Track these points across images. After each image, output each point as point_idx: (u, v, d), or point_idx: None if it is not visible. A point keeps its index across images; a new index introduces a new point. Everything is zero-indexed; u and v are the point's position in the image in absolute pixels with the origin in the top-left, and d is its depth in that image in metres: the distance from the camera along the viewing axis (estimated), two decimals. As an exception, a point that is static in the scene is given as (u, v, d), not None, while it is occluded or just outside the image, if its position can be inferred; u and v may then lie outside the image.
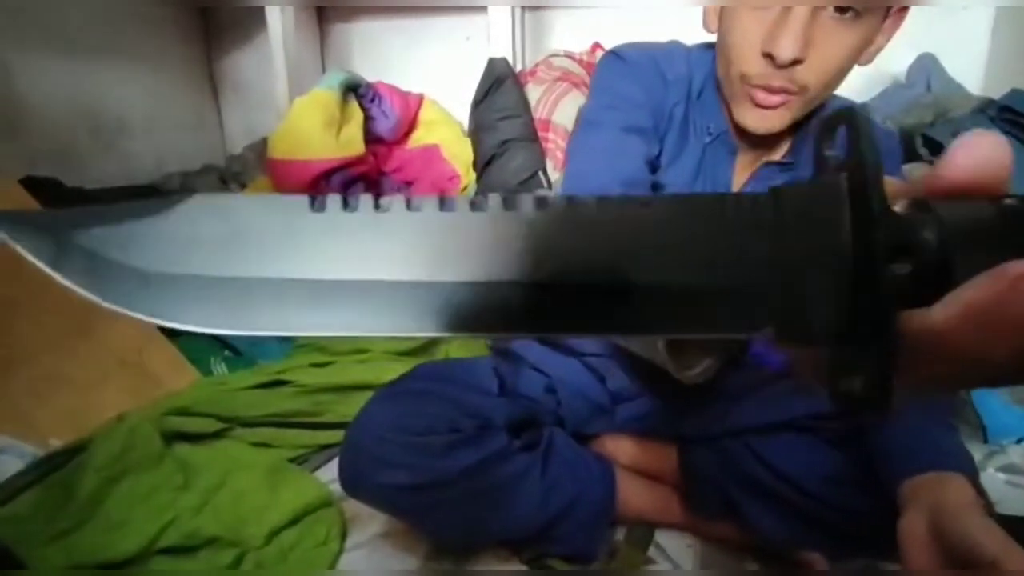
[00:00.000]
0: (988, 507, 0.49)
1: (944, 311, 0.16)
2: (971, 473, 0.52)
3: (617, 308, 0.18)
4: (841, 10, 0.54)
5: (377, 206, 0.18)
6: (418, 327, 0.18)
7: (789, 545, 0.72)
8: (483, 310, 0.17)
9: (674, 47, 0.70)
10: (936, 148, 1.23)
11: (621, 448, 0.82)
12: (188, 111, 1.85)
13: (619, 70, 0.69)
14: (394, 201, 0.18)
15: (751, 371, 0.80)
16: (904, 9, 0.60)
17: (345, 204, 0.18)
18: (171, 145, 1.72)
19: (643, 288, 0.18)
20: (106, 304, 0.19)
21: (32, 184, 1.18)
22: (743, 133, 0.65)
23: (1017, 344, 0.16)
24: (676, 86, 0.66)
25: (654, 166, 0.67)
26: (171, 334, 1.13)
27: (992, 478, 0.90)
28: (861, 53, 0.58)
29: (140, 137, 1.63)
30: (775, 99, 0.57)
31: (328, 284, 0.18)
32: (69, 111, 1.44)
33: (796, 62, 0.54)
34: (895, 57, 1.67)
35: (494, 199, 0.18)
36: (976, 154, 0.18)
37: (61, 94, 1.43)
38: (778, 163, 0.68)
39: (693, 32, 0.70)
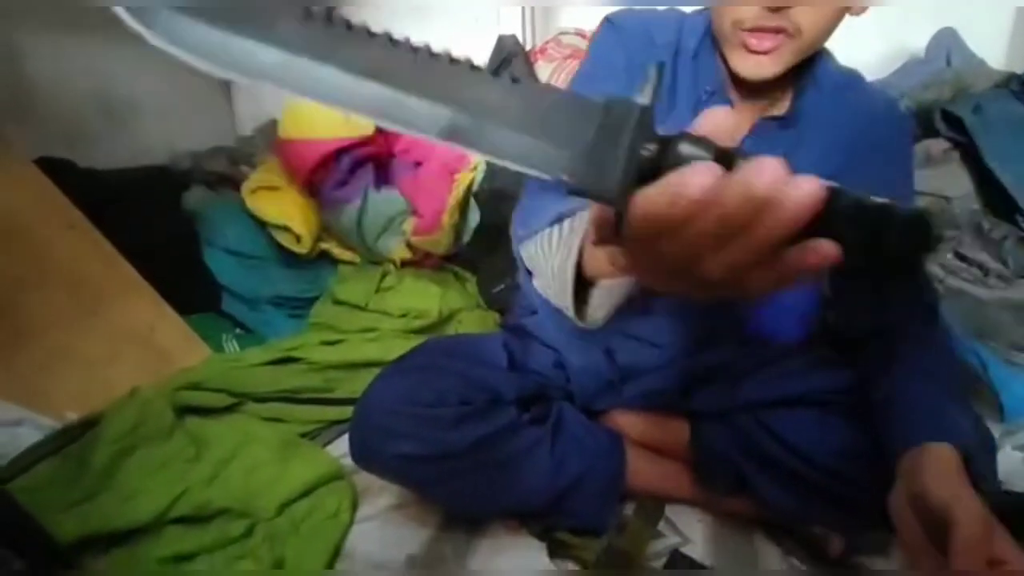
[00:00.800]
0: (980, 478, 0.49)
1: (645, 191, 0.25)
2: (969, 443, 0.51)
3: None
4: None
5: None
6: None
7: (801, 519, 0.72)
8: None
9: (669, 13, 0.70)
10: (955, 123, 1.20)
11: (631, 423, 0.81)
12: (199, 93, 1.84)
13: (608, 38, 0.69)
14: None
15: (762, 347, 0.79)
16: None
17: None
18: (182, 126, 1.71)
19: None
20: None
21: (47, 164, 1.18)
22: (741, 85, 0.65)
23: (680, 243, 0.25)
24: (663, 50, 0.67)
25: None
26: (182, 311, 1.14)
27: (1009, 456, 0.89)
28: (850, 6, 0.59)
29: (151, 118, 1.63)
30: (768, 43, 0.57)
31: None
32: (81, 92, 1.45)
33: (783, 8, 0.55)
34: (914, 32, 1.63)
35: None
36: (710, 121, 0.27)
37: (73, 75, 1.43)
38: (776, 118, 0.67)
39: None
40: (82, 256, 1.03)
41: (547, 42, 1.57)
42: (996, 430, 0.91)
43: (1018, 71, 1.33)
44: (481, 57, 1.60)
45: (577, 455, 0.72)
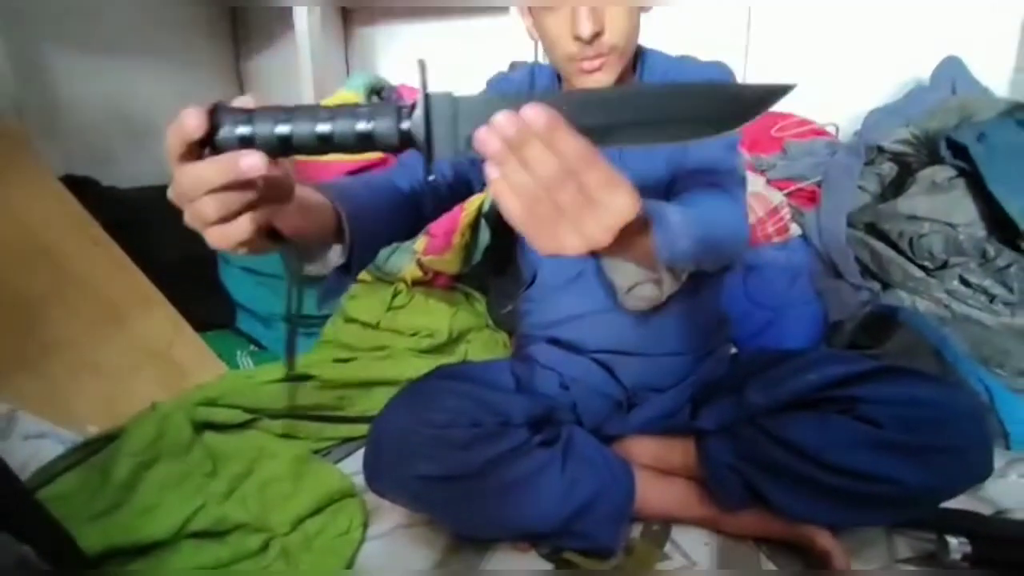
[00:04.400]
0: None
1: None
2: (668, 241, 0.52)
3: None
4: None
5: None
6: None
7: (814, 521, 0.73)
8: None
9: (525, 67, 0.87)
10: (960, 151, 1.22)
11: (640, 448, 0.83)
12: (217, 112, 1.90)
13: (482, 92, 0.84)
14: None
15: (755, 353, 0.82)
16: None
17: None
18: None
19: None
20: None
21: (71, 182, 1.22)
22: None
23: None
24: (517, 88, 0.83)
25: None
26: (198, 328, 1.17)
27: (1015, 484, 0.89)
28: (642, 6, 0.71)
29: (172, 137, 1.68)
30: (597, 63, 0.69)
31: None
32: (105, 112, 1.49)
33: (597, 35, 0.66)
34: (920, 60, 1.65)
35: None
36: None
37: (98, 96, 1.48)
38: None
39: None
40: (105, 273, 1.06)
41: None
42: (1003, 458, 0.92)
43: (1022, 100, 1.35)
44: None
45: (588, 477, 0.73)
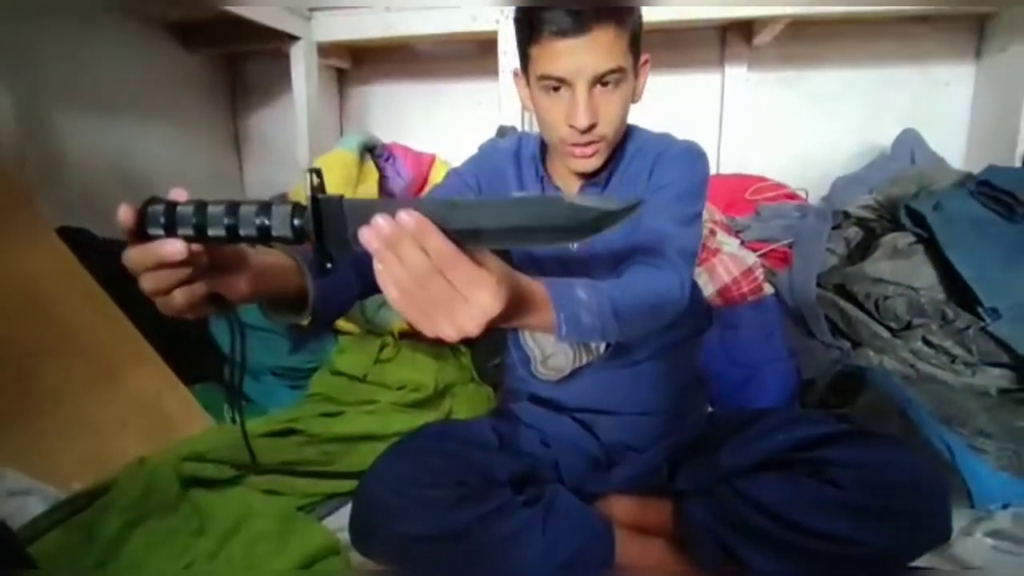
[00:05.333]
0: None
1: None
2: (570, 318, 0.58)
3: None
4: (604, 83, 0.72)
5: None
6: None
7: None
8: None
9: (513, 136, 0.95)
10: (918, 219, 1.31)
11: (619, 507, 0.85)
12: (212, 165, 1.95)
13: (470, 159, 0.93)
14: None
15: (730, 413, 0.85)
16: (646, 62, 0.79)
17: None
18: (194, 196, 1.80)
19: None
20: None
21: (66, 234, 1.25)
22: (573, 171, 0.83)
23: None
24: (505, 156, 0.90)
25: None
26: (186, 380, 1.18)
27: (979, 543, 0.92)
28: (632, 99, 0.78)
29: (167, 189, 1.72)
30: (588, 150, 0.76)
31: None
32: (104, 165, 1.53)
33: (592, 126, 0.72)
34: (883, 130, 1.78)
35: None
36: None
37: (98, 150, 1.52)
38: (594, 182, 0.84)
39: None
40: (98, 325, 1.08)
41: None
42: (966, 517, 0.96)
43: (975, 171, 1.45)
44: (482, 142, 1.72)
45: (568, 536, 0.75)
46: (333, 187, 1.49)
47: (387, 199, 0.45)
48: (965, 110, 1.79)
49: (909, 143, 1.65)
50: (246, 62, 2.06)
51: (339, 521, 0.96)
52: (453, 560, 0.71)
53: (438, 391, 1.27)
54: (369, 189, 1.57)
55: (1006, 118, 1.59)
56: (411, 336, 1.44)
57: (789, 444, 0.76)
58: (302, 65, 1.73)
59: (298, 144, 1.79)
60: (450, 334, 0.44)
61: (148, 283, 0.48)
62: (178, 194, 0.48)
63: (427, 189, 1.74)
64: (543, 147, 0.88)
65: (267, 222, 0.45)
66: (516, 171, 0.90)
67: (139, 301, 1.20)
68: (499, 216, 0.43)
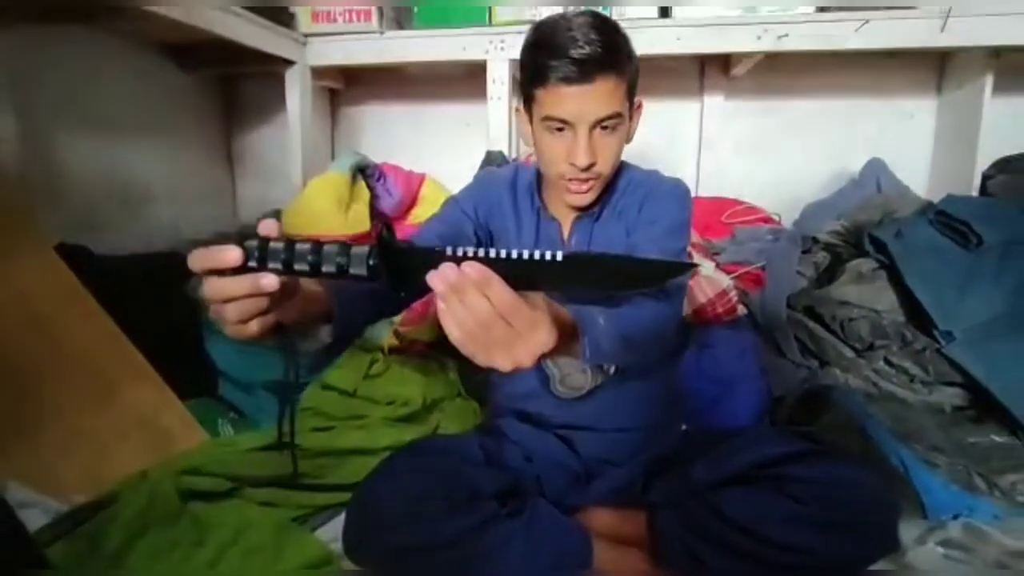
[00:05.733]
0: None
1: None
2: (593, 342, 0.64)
3: None
4: (603, 126, 0.79)
5: None
6: None
7: None
8: None
9: (510, 165, 1.02)
10: (880, 246, 1.39)
11: (597, 519, 0.91)
12: (207, 182, 1.99)
13: (468, 186, 0.99)
14: None
15: (703, 430, 0.92)
16: (639, 106, 0.86)
17: None
18: (188, 214, 1.84)
19: None
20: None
21: (65, 251, 1.28)
22: (568, 204, 0.89)
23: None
24: (503, 186, 0.96)
25: (480, 237, 0.94)
26: (181, 395, 1.21)
27: (931, 552, 0.99)
28: (626, 139, 0.85)
29: (162, 206, 1.76)
30: (584, 187, 0.83)
31: None
32: (102, 183, 1.57)
33: (591, 165, 0.79)
34: (852, 158, 1.87)
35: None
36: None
37: (94, 167, 1.56)
38: (588, 215, 0.91)
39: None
40: (97, 342, 1.12)
41: (530, 154, 1.75)
42: (919, 527, 1.03)
43: (935, 200, 1.54)
44: (471, 161, 1.79)
45: (549, 546, 0.80)
46: (326, 208, 1.54)
47: (448, 246, 0.51)
48: (928, 141, 1.89)
49: (875, 171, 1.74)
50: (241, 83, 2.10)
51: (332, 532, 1.00)
52: (441, 569, 0.76)
53: (426, 406, 1.32)
54: (361, 208, 1.62)
55: (964, 150, 1.69)
56: (399, 352, 1.49)
57: (755, 461, 0.83)
58: (297, 88, 1.78)
59: (291, 163, 1.83)
60: (506, 366, 0.50)
61: (233, 312, 0.52)
62: (267, 227, 0.53)
63: (417, 208, 1.79)
64: (539, 178, 0.95)
65: (346, 261, 0.52)
66: (512, 200, 0.95)
67: (135, 315, 1.25)
68: (562, 276, 0.50)
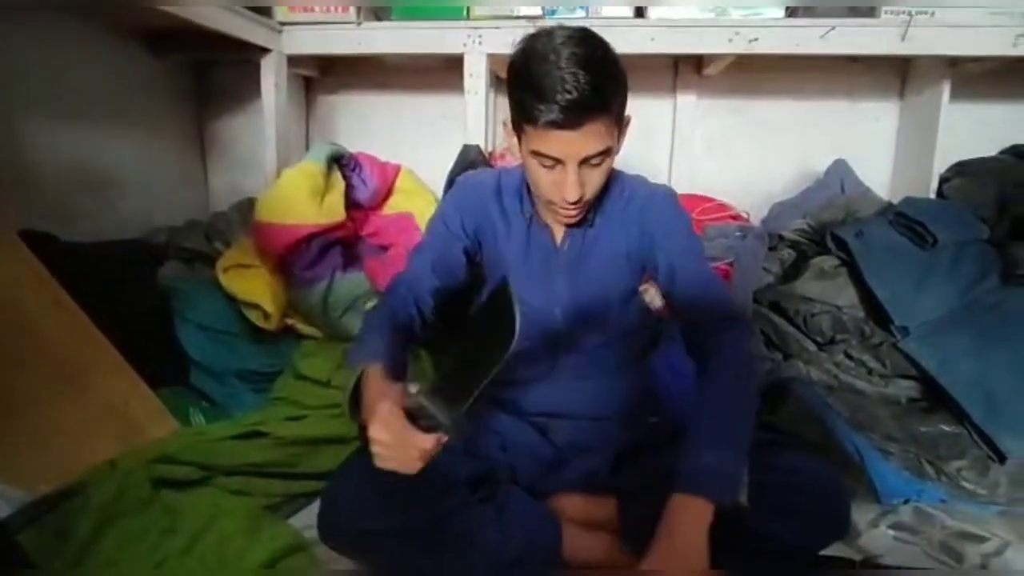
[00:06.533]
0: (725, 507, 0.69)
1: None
2: (721, 494, 0.70)
3: None
4: (594, 164, 0.79)
5: None
6: None
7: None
8: None
9: (495, 171, 0.99)
10: (842, 244, 1.44)
11: (569, 504, 0.93)
12: (177, 170, 1.96)
13: (450, 195, 0.99)
14: None
15: (670, 423, 0.95)
16: (626, 124, 0.84)
17: None
18: (160, 202, 1.81)
19: None
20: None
21: (29, 237, 1.25)
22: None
23: None
24: (489, 194, 0.95)
25: (483, 250, 0.97)
26: (152, 384, 1.20)
27: (883, 534, 1.05)
28: (612, 165, 0.84)
29: (133, 194, 1.72)
30: (572, 211, 0.83)
31: None
32: (71, 170, 1.53)
33: (580, 198, 0.80)
34: (818, 158, 1.93)
35: None
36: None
37: (64, 154, 1.52)
38: (579, 226, 0.92)
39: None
40: (66, 332, 1.10)
41: (507, 148, 1.77)
42: (873, 511, 1.08)
43: (896, 200, 1.60)
44: (447, 153, 1.79)
45: (520, 531, 0.83)
46: (300, 198, 1.53)
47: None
48: (890, 143, 1.96)
49: (840, 172, 1.80)
50: (215, 70, 2.07)
51: (305, 519, 1.01)
52: (416, 553, 0.78)
53: (400, 396, 1.33)
54: (335, 199, 1.61)
55: (923, 153, 1.76)
56: (375, 343, 1.49)
57: None
58: (272, 76, 1.76)
59: (265, 152, 1.81)
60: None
61: (419, 463, 0.68)
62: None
63: (392, 199, 1.79)
64: (526, 182, 0.93)
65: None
66: (499, 208, 0.95)
67: (104, 304, 1.23)
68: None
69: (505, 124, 0.87)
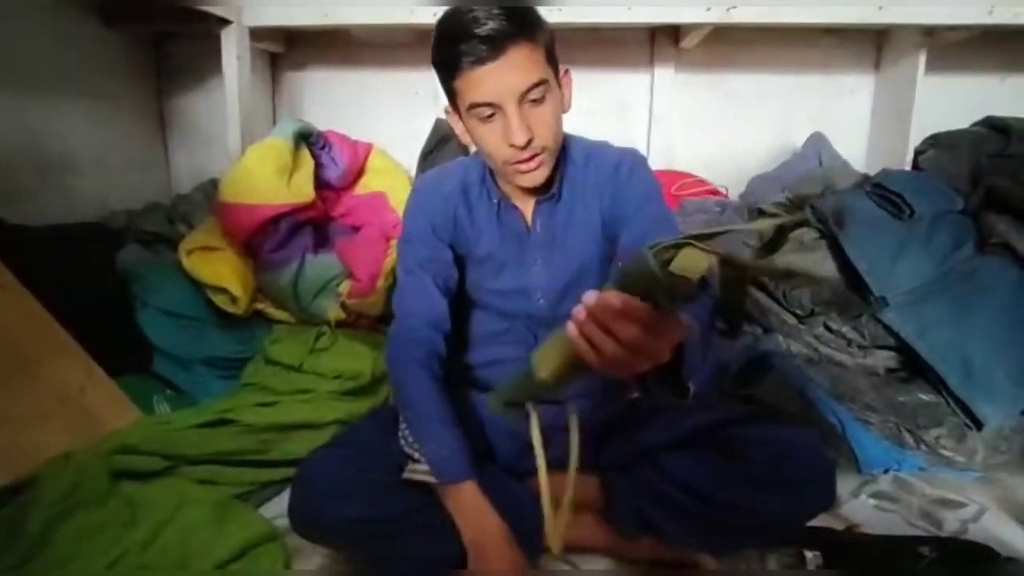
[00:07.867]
0: None
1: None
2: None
3: None
4: (532, 100, 0.75)
5: None
6: None
7: (696, 547, 0.83)
8: None
9: (454, 164, 0.96)
10: (821, 216, 1.43)
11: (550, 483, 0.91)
12: (135, 149, 1.86)
13: (411, 206, 0.94)
14: None
15: (651, 400, 0.93)
16: (566, 72, 0.82)
17: None
18: (117, 183, 1.72)
19: None
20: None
21: (-27, 220, 1.18)
22: (525, 189, 0.86)
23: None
24: (453, 194, 0.91)
25: (457, 251, 0.92)
26: (112, 372, 1.14)
27: (864, 504, 1.05)
28: (562, 107, 0.82)
29: (87, 175, 1.63)
30: (532, 164, 0.79)
31: None
32: (17, 148, 1.44)
33: (529, 141, 0.75)
34: (795, 132, 1.92)
35: None
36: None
37: (10, 131, 1.43)
38: (547, 198, 0.89)
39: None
40: (12, 316, 1.03)
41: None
42: (854, 480, 1.08)
43: (871, 173, 1.60)
44: (419, 131, 1.74)
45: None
46: (266, 175, 1.47)
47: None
48: (866, 116, 1.96)
49: (817, 145, 1.79)
50: (172, 42, 1.97)
51: (276, 508, 0.97)
52: (390, 541, 0.75)
53: (375, 378, 1.29)
54: (304, 178, 1.55)
55: (899, 125, 1.76)
56: (347, 325, 1.45)
57: (700, 426, 0.85)
58: (233, 50, 1.67)
59: (228, 130, 1.73)
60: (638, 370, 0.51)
61: None
62: None
63: (364, 178, 1.73)
64: (491, 170, 0.90)
65: None
66: (465, 201, 0.91)
67: (57, 289, 1.16)
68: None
69: (447, 111, 0.83)
